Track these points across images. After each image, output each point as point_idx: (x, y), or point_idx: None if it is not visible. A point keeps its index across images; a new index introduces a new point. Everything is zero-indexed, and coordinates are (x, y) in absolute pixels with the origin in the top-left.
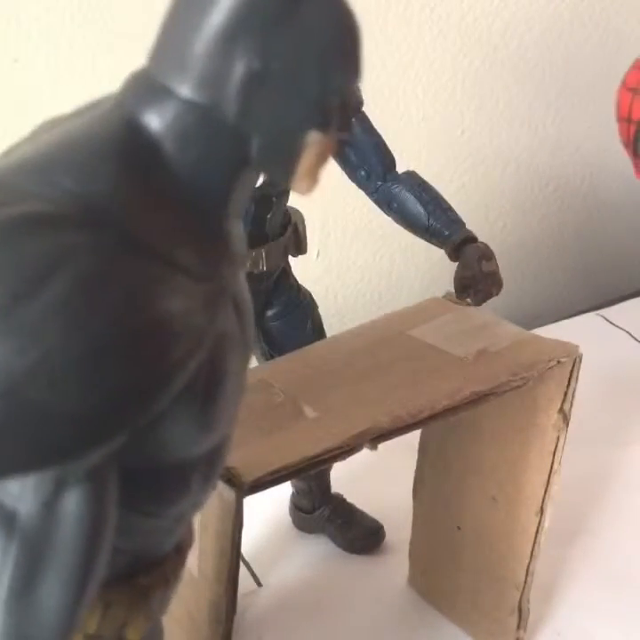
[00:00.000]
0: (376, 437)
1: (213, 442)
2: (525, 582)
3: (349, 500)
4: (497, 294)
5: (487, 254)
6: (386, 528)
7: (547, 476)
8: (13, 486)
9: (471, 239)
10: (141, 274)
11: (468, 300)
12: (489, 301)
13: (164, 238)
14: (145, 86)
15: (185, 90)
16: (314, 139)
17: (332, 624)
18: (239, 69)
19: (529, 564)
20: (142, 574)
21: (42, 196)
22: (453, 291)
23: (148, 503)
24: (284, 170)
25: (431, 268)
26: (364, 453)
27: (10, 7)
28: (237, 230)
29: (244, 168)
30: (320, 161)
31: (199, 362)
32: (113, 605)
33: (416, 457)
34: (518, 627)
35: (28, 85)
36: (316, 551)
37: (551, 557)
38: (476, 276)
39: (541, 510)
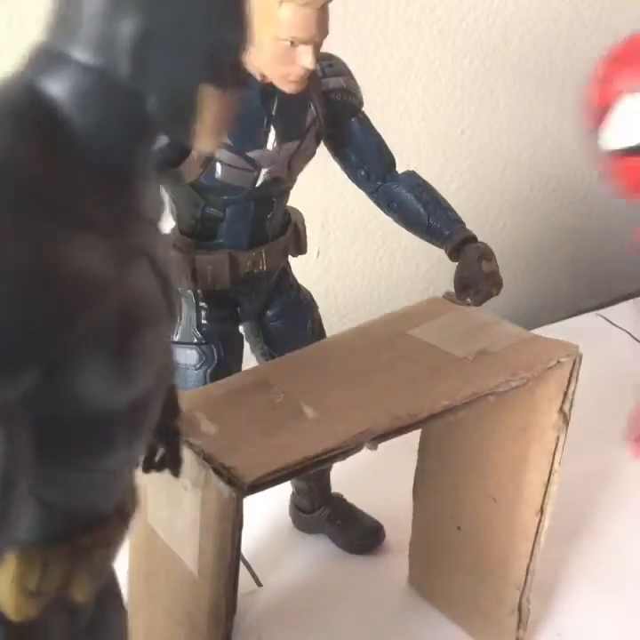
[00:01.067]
0: (376, 437)
1: (133, 395)
2: (525, 582)
3: (349, 500)
4: (497, 294)
5: (487, 254)
6: (386, 528)
7: (547, 476)
8: None
9: (471, 239)
10: (40, 224)
11: (468, 299)
12: (489, 301)
13: (64, 194)
14: (43, 54)
15: (79, 54)
16: (209, 94)
17: (331, 624)
18: (127, 30)
19: (529, 563)
20: (82, 534)
21: None
22: (453, 291)
23: (73, 454)
24: (184, 127)
25: (431, 268)
26: (364, 453)
27: (9, 7)
28: (150, 191)
29: (143, 127)
30: (220, 118)
31: (106, 312)
32: (51, 562)
33: (416, 457)
34: (518, 626)
35: None
36: (316, 551)
37: (551, 557)
38: (476, 275)
39: (541, 510)
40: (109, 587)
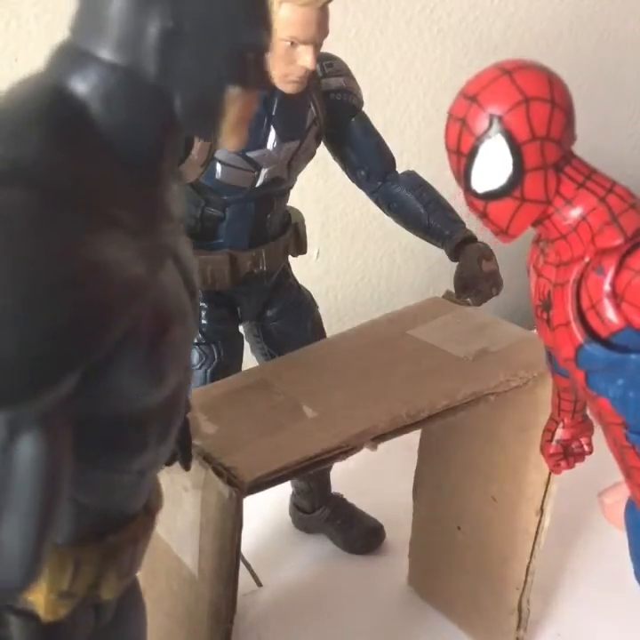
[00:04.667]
0: (376, 437)
1: (165, 393)
2: (525, 582)
3: (349, 500)
4: (497, 294)
5: (487, 254)
6: (386, 528)
7: (547, 476)
8: None
9: (471, 239)
10: (74, 226)
11: (468, 300)
12: (489, 301)
13: (96, 195)
14: (69, 54)
15: (106, 53)
16: (234, 94)
17: (331, 624)
18: (154, 29)
19: (529, 563)
20: (111, 533)
21: None
22: (453, 291)
23: (107, 456)
24: (209, 126)
25: (431, 268)
26: (364, 453)
27: (10, 7)
28: (173, 189)
29: (170, 126)
30: (243, 116)
31: (141, 312)
32: (83, 563)
33: (416, 457)
34: (518, 626)
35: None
36: (317, 551)
37: (551, 557)
38: (477, 275)
39: (541, 510)
40: (130, 583)
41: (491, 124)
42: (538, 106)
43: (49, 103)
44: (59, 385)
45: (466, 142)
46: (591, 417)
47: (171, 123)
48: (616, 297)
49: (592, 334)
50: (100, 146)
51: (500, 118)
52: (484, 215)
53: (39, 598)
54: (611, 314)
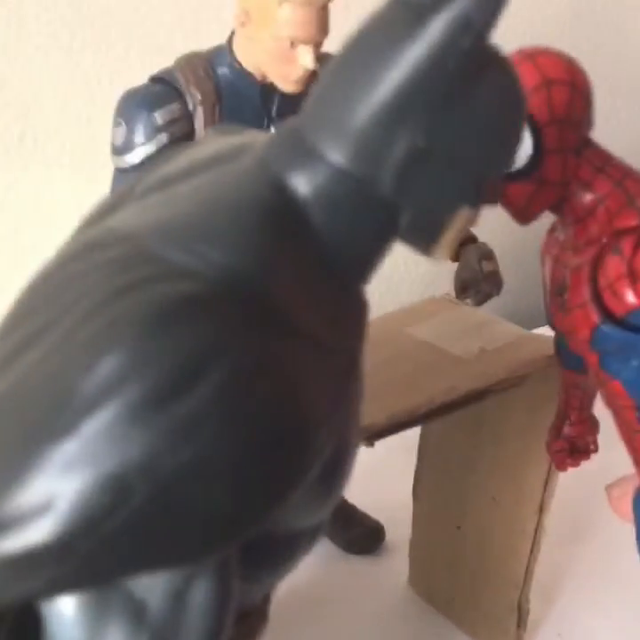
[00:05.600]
0: (373, 435)
1: (328, 510)
2: (525, 581)
3: (349, 500)
4: (497, 294)
5: (487, 254)
6: (386, 528)
7: (546, 476)
8: (143, 577)
9: (471, 239)
10: (290, 363)
11: (468, 300)
12: (489, 301)
13: (308, 315)
14: (293, 146)
15: (339, 157)
16: (463, 214)
17: (332, 623)
18: (402, 146)
19: (528, 563)
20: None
21: (189, 270)
22: (453, 291)
23: (254, 571)
24: (428, 242)
25: (431, 268)
26: (364, 453)
27: (10, 7)
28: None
29: (390, 239)
30: (462, 232)
31: (331, 438)
32: None
33: (416, 457)
34: (518, 626)
35: (29, 85)
36: (317, 551)
37: (551, 557)
38: (477, 276)
39: (541, 509)
40: None
41: None
42: (559, 89)
43: (268, 204)
44: (250, 535)
45: None
46: (603, 401)
47: (391, 235)
48: (633, 275)
49: (608, 315)
50: (317, 256)
51: None
52: (503, 197)
53: None
54: (627, 292)
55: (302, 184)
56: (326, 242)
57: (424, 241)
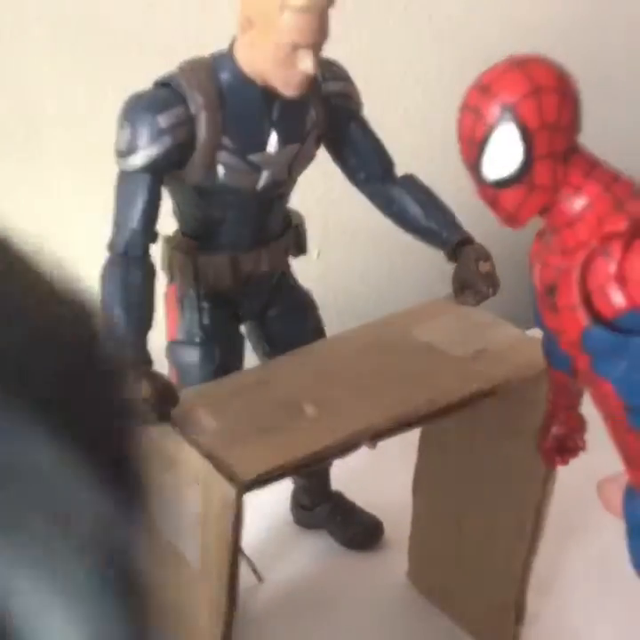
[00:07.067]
0: (374, 436)
1: None
2: (523, 577)
3: (349, 497)
4: (494, 294)
5: (484, 255)
6: (385, 524)
7: (545, 473)
8: None
9: (468, 240)
10: None
11: (467, 300)
12: (488, 301)
13: None
14: None
15: None
16: None
17: (331, 618)
18: None
19: (527, 560)
20: None
21: None
22: (452, 292)
23: None
24: None
25: (431, 268)
26: (364, 451)
27: (10, 7)
28: None
29: None
30: None
31: None
32: None
33: (416, 455)
34: (516, 622)
35: (33, 88)
36: (317, 547)
37: (550, 555)
38: (474, 276)
39: (539, 507)
40: None
41: (503, 113)
42: (549, 96)
43: None
44: None
45: (478, 131)
46: (593, 401)
47: None
48: (622, 278)
49: (597, 318)
50: None
51: (513, 107)
52: (494, 202)
53: None
54: (616, 295)
55: None
56: None
57: None
